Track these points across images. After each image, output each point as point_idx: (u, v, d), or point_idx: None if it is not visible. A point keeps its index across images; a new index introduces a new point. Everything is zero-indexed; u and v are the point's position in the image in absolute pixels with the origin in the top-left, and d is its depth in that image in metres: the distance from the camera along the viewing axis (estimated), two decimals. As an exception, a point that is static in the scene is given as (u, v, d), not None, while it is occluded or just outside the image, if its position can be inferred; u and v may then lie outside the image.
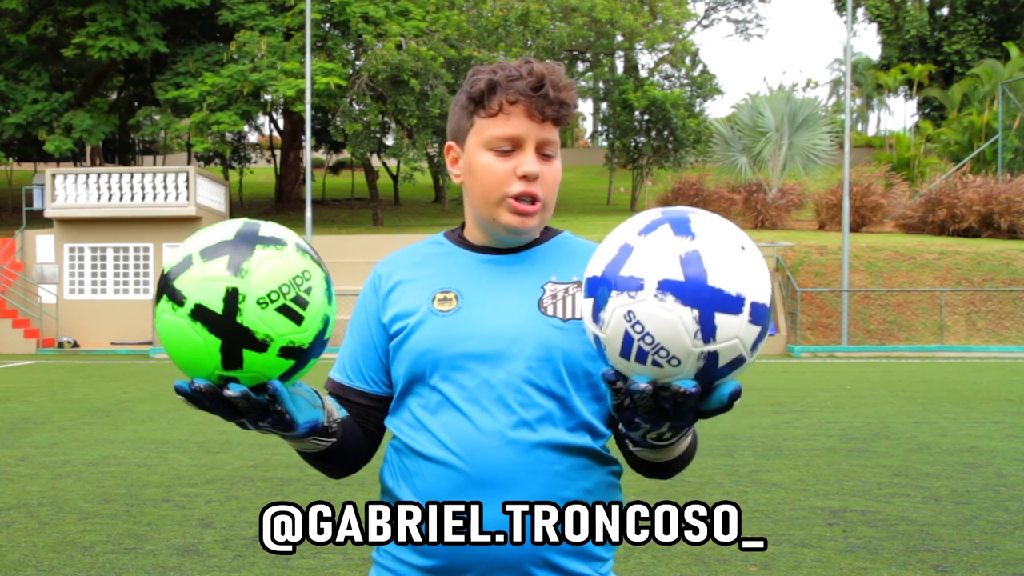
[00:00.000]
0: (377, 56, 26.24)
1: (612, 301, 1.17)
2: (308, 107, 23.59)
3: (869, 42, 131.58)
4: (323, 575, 4.27)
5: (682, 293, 1.13)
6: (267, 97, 29.16)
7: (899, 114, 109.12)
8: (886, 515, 5.32)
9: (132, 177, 24.07)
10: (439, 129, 27.38)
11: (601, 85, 36.41)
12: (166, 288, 1.25)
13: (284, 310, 1.24)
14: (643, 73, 35.37)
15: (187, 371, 1.28)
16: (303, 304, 1.26)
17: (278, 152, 38.12)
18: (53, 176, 23.92)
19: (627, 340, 1.16)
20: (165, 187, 23.89)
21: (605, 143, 38.49)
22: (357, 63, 28.52)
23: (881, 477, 6.43)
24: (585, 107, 52.17)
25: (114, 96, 35.00)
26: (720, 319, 1.14)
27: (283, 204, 34.41)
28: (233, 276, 1.23)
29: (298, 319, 1.26)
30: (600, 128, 48.23)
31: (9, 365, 18.34)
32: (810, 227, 27.77)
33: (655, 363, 1.16)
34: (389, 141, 30.06)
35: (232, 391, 1.24)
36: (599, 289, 1.19)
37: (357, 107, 27.96)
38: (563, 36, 31.40)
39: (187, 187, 23.79)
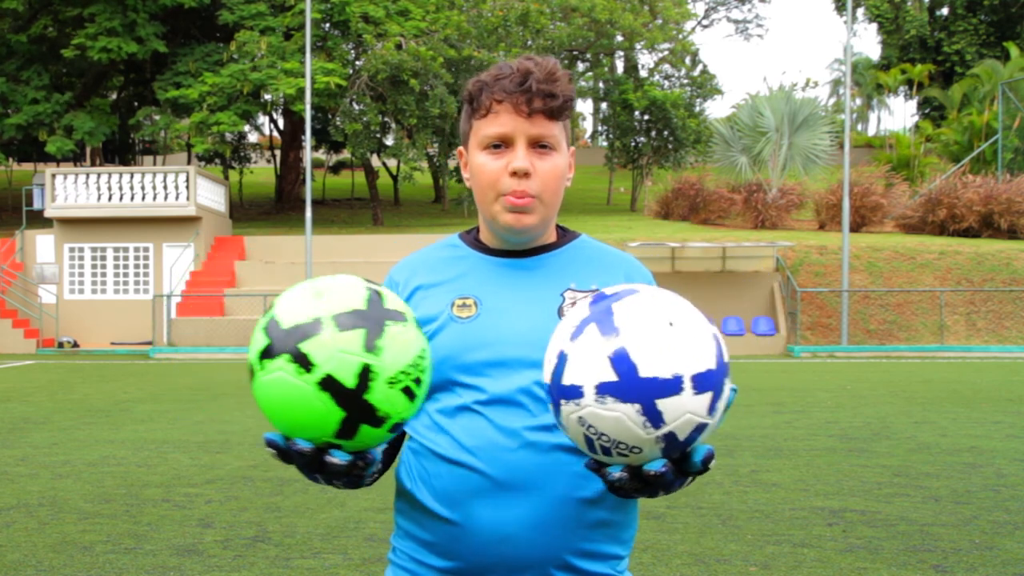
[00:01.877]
0: (377, 56, 26.24)
1: (563, 409, 1.24)
2: (308, 107, 23.59)
3: (869, 42, 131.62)
4: (323, 575, 4.27)
5: (619, 392, 1.18)
6: (267, 97, 29.16)
7: (899, 114, 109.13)
8: (886, 515, 5.32)
9: (132, 177, 24.08)
10: (439, 129, 27.38)
11: (601, 85, 36.41)
12: (289, 347, 1.22)
13: (406, 390, 1.26)
14: (643, 73, 35.37)
15: (288, 431, 1.26)
16: (420, 383, 1.29)
17: (278, 152, 38.12)
18: (53, 176, 23.92)
19: (588, 440, 1.23)
20: (165, 187, 23.89)
21: (605, 143, 38.49)
22: (357, 63, 28.52)
23: (881, 477, 6.43)
24: (585, 107, 52.20)
25: (114, 96, 35.01)
26: (663, 404, 1.18)
27: (283, 204, 34.41)
28: (368, 353, 1.23)
29: (413, 397, 1.28)
30: (600, 128, 48.23)
31: (9, 365, 18.34)
32: (810, 227, 27.77)
33: (620, 454, 1.22)
34: (389, 141, 30.05)
35: (337, 459, 1.26)
36: (551, 398, 1.26)
37: (357, 107, 27.96)
38: (563, 36, 31.40)
39: (187, 187, 23.79)
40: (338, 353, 1.21)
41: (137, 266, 23.96)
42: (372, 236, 26.02)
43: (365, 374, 1.22)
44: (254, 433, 8.71)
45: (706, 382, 1.20)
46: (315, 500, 5.76)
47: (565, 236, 1.59)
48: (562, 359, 1.24)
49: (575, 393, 1.21)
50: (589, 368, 1.20)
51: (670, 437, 1.20)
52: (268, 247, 25.25)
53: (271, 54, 26.98)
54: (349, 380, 1.21)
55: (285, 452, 1.27)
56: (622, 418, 1.18)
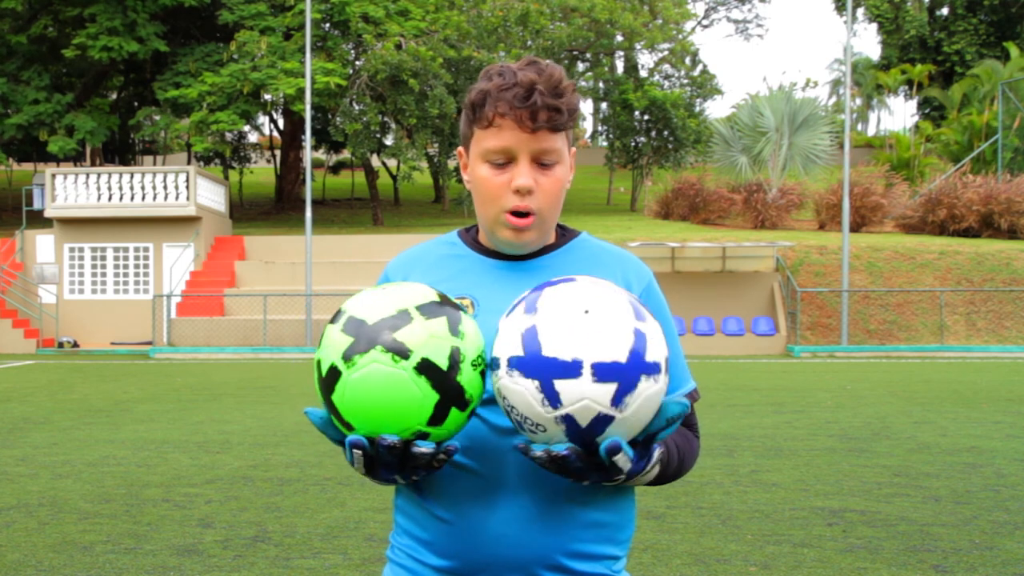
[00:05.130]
0: (377, 56, 26.24)
1: (491, 379, 1.31)
2: (308, 107, 23.59)
3: (869, 42, 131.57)
4: (323, 575, 4.27)
5: (523, 366, 1.24)
6: (267, 97, 29.16)
7: (899, 114, 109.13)
8: (886, 515, 5.32)
9: (132, 177, 24.08)
10: (438, 129, 27.38)
11: (601, 85, 36.40)
12: (382, 339, 1.26)
13: (483, 373, 1.32)
14: (643, 73, 35.37)
15: (381, 425, 1.27)
16: (487, 368, 1.34)
17: (278, 152, 38.12)
18: (53, 176, 23.92)
19: (507, 413, 1.29)
20: (165, 187, 23.89)
21: (605, 143, 38.49)
22: (357, 63, 28.52)
23: (881, 477, 6.43)
24: (585, 107, 52.15)
25: (114, 96, 35.01)
26: (560, 385, 1.22)
27: (283, 204, 34.41)
28: (454, 337, 1.28)
29: (485, 380, 1.34)
30: (600, 128, 48.23)
31: (9, 365, 18.34)
32: (810, 227, 27.77)
33: (530, 430, 1.27)
34: (389, 141, 30.05)
35: (423, 447, 1.27)
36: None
37: (357, 107, 27.96)
38: (563, 36, 31.39)
39: (187, 187, 23.79)
40: (431, 338, 1.27)
41: (137, 266, 23.96)
42: (372, 236, 26.02)
43: (456, 356, 1.28)
44: (254, 433, 8.71)
45: (610, 372, 1.21)
46: (315, 500, 5.76)
47: (564, 236, 1.58)
48: (496, 333, 1.32)
49: (495, 364, 1.29)
50: (506, 342, 1.27)
51: (569, 420, 1.22)
52: (268, 247, 25.25)
53: (271, 54, 26.99)
54: (443, 362, 1.26)
55: (371, 451, 1.27)
56: (524, 392, 1.23)
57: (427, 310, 1.29)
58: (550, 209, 1.49)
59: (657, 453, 1.32)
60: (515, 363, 1.24)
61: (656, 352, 1.26)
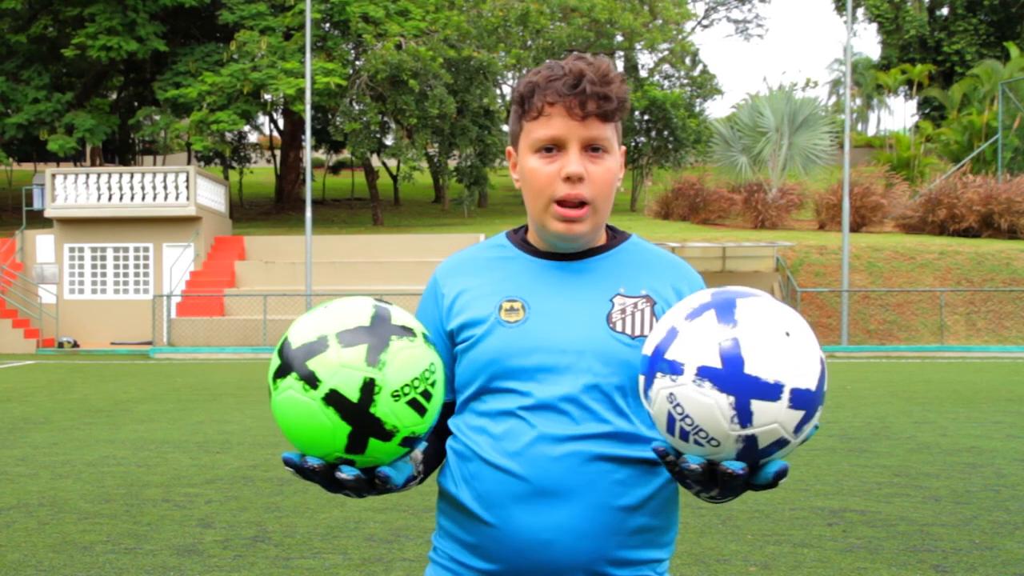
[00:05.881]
0: (377, 56, 26.24)
1: (657, 382, 1.24)
2: (308, 107, 23.58)
3: (869, 42, 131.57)
4: (323, 575, 4.27)
5: (719, 380, 1.19)
6: (267, 97, 29.16)
7: (899, 114, 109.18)
8: (886, 515, 5.32)
9: (132, 177, 24.07)
10: (438, 129, 27.38)
11: (601, 85, 36.35)
12: (296, 366, 1.26)
13: (413, 403, 1.28)
14: (643, 73, 35.38)
15: (303, 448, 1.29)
16: (428, 397, 1.30)
17: (278, 152, 38.12)
18: (53, 176, 23.92)
19: (671, 419, 1.24)
20: (165, 187, 23.89)
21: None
22: (357, 63, 28.52)
23: (881, 477, 6.43)
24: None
25: (114, 96, 35.01)
26: (757, 405, 1.18)
27: (283, 204, 34.41)
28: (371, 367, 1.25)
29: (422, 411, 1.30)
30: (600, 128, 48.17)
31: (9, 365, 18.34)
32: (810, 227, 27.77)
33: (696, 442, 1.22)
34: (389, 141, 30.05)
35: (345, 474, 1.28)
36: (647, 368, 1.27)
37: (357, 107, 27.96)
38: (563, 36, 31.40)
39: (187, 187, 23.79)
40: (341, 368, 1.24)
41: (137, 266, 23.95)
42: (372, 236, 26.02)
43: (369, 387, 1.24)
44: (254, 433, 8.71)
45: (803, 400, 1.20)
46: (315, 500, 5.76)
47: (615, 238, 1.57)
48: (672, 334, 1.25)
49: (675, 369, 1.22)
50: (697, 349, 1.21)
51: (751, 440, 1.20)
52: (268, 247, 25.25)
53: (271, 54, 26.99)
54: (353, 394, 1.24)
55: (301, 469, 1.29)
56: (713, 406, 1.19)
57: (347, 337, 1.26)
58: (603, 200, 1.47)
59: None
60: (708, 373, 1.19)
61: (827, 381, 1.26)
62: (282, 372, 1.27)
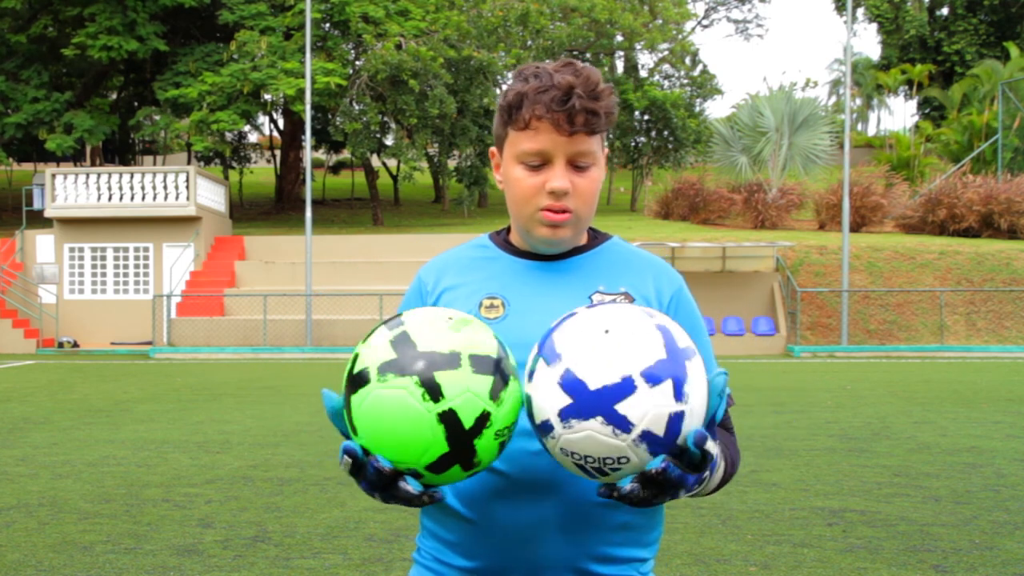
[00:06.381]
0: (377, 56, 26.24)
1: (547, 446, 1.25)
2: (308, 107, 23.58)
3: (869, 42, 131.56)
4: (323, 575, 4.27)
5: (578, 412, 1.19)
6: (267, 97, 29.17)
7: (899, 114, 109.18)
8: (886, 515, 5.32)
9: (132, 177, 24.08)
10: (438, 129, 27.38)
11: (601, 85, 36.37)
12: (419, 370, 1.21)
13: (502, 445, 1.28)
14: (643, 73, 35.39)
15: (383, 449, 1.24)
16: (509, 441, 1.30)
17: (278, 152, 38.12)
18: (53, 176, 23.93)
19: (580, 466, 1.23)
20: (165, 187, 23.89)
21: (605, 143, 38.48)
22: (357, 63, 28.53)
23: (881, 477, 6.43)
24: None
25: (114, 96, 35.01)
26: (623, 407, 1.17)
27: (283, 204, 34.42)
28: (491, 401, 1.23)
29: (502, 452, 1.30)
30: (600, 128, 48.19)
31: (9, 365, 18.34)
32: (810, 227, 27.77)
33: (613, 469, 1.21)
34: (389, 141, 30.06)
35: (411, 487, 1.24)
36: (538, 438, 1.28)
37: (357, 107, 27.96)
38: (563, 36, 31.39)
39: (187, 187, 23.79)
40: (467, 392, 1.22)
41: (137, 266, 23.96)
42: (372, 236, 26.02)
43: (483, 419, 1.23)
44: (254, 433, 8.71)
45: (659, 373, 1.18)
46: (315, 500, 5.76)
47: (596, 238, 1.58)
48: (528, 402, 1.26)
49: (547, 428, 1.22)
50: (547, 400, 1.21)
51: (648, 436, 1.18)
52: (268, 247, 25.25)
53: (271, 54, 26.99)
54: (468, 420, 1.22)
55: (360, 465, 1.25)
56: (592, 434, 1.18)
57: (480, 363, 1.24)
58: (586, 209, 1.48)
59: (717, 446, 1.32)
60: (568, 413, 1.19)
61: (683, 337, 1.25)
62: (398, 369, 1.22)
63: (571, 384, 1.19)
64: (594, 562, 1.42)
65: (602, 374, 1.18)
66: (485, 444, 1.24)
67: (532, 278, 1.52)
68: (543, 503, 1.40)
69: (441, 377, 1.21)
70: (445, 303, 1.53)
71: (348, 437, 1.29)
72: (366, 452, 1.24)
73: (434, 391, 1.20)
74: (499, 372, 1.25)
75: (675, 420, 1.19)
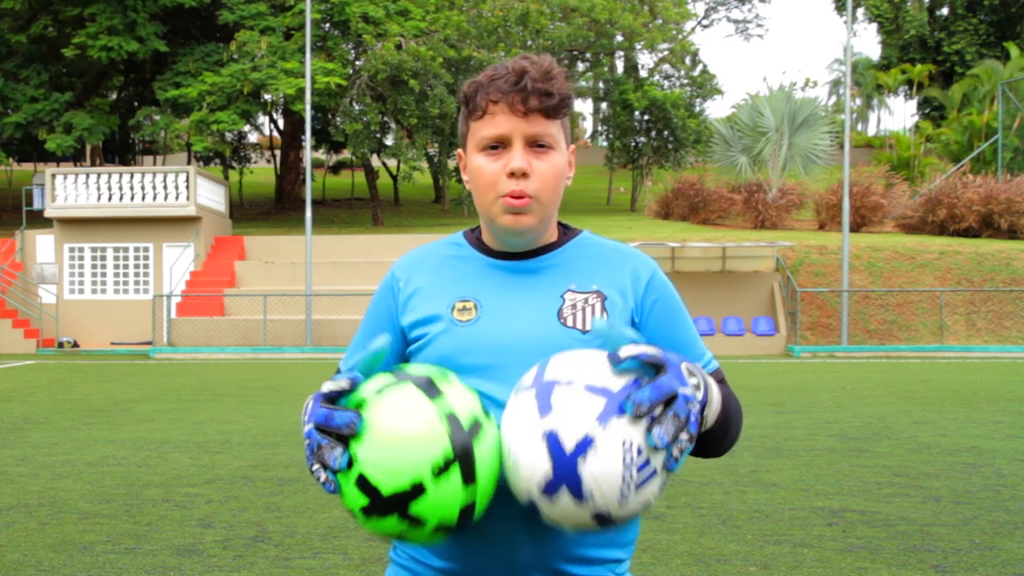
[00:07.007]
0: (377, 56, 26.24)
1: (545, 511, 1.30)
2: (308, 107, 23.58)
3: (869, 42, 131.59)
4: (323, 575, 4.27)
5: (550, 485, 1.26)
6: (267, 97, 29.16)
7: (899, 114, 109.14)
8: (886, 515, 5.32)
9: (132, 177, 24.07)
10: (439, 129, 27.38)
11: (601, 85, 36.41)
12: (465, 446, 1.30)
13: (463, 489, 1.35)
14: (643, 73, 35.37)
15: (411, 444, 1.30)
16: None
17: (278, 152, 38.12)
18: (53, 176, 23.92)
19: (621, 496, 1.26)
20: (165, 187, 23.89)
21: (605, 143, 38.50)
22: (357, 63, 28.53)
23: (881, 477, 6.43)
24: (585, 107, 52.21)
25: (114, 96, 35.00)
26: (583, 473, 1.24)
27: (283, 204, 34.41)
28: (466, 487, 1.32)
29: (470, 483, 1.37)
30: (600, 128, 48.25)
31: (9, 365, 18.34)
32: (810, 227, 27.77)
33: (648, 478, 1.26)
34: (389, 141, 30.05)
35: (342, 416, 1.30)
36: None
37: (357, 107, 27.96)
38: (563, 36, 31.40)
39: (187, 187, 23.79)
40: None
41: (137, 266, 23.95)
42: (372, 236, 26.01)
43: (467, 513, 1.32)
44: (254, 433, 8.71)
45: (553, 441, 1.25)
46: (315, 500, 5.76)
47: (567, 234, 1.58)
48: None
49: (524, 500, 1.32)
50: (530, 469, 1.28)
51: (552, 438, 1.25)
52: (268, 247, 25.25)
53: (271, 54, 26.98)
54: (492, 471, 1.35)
55: (331, 397, 1.32)
56: (617, 466, 1.24)
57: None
58: (548, 194, 1.48)
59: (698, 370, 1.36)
60: (550, 487, 1.26)
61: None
62: (470, 429, 1.32)
63: (551, 441, 1.27)
64: (569, 563, 1.43)
65: (532, 469, 1.27)
66: (483, 473, 1.32)
67: (503, 279, 1.52)
68: (516, 505, 1.39)
69: (478, 450, 1.33)
70: (418, 301, 1.53)
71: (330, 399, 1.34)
72: (355, 415, 1.30)
73: (470, 472, 1.32)
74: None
75: (584, 442, 1.24)
